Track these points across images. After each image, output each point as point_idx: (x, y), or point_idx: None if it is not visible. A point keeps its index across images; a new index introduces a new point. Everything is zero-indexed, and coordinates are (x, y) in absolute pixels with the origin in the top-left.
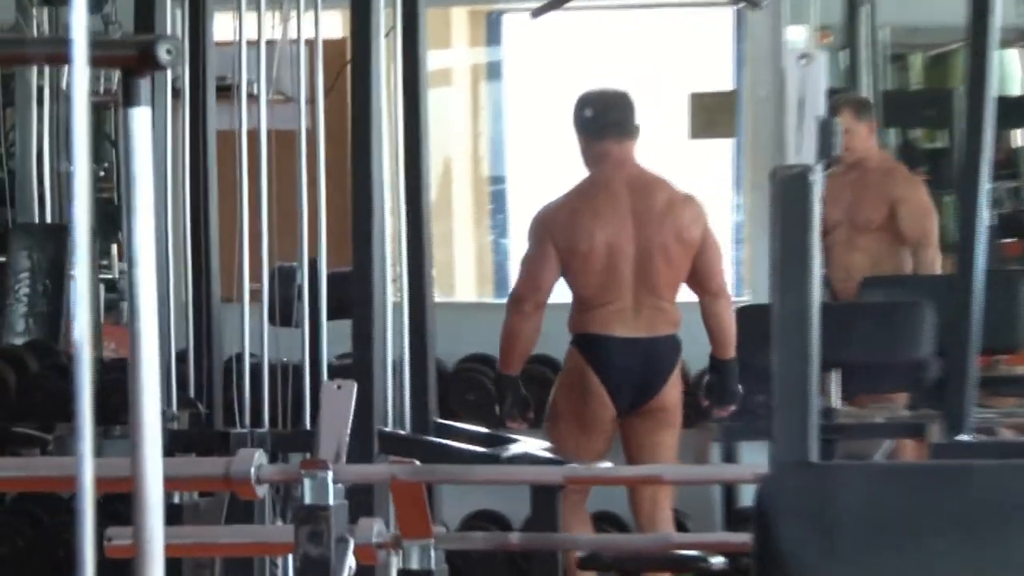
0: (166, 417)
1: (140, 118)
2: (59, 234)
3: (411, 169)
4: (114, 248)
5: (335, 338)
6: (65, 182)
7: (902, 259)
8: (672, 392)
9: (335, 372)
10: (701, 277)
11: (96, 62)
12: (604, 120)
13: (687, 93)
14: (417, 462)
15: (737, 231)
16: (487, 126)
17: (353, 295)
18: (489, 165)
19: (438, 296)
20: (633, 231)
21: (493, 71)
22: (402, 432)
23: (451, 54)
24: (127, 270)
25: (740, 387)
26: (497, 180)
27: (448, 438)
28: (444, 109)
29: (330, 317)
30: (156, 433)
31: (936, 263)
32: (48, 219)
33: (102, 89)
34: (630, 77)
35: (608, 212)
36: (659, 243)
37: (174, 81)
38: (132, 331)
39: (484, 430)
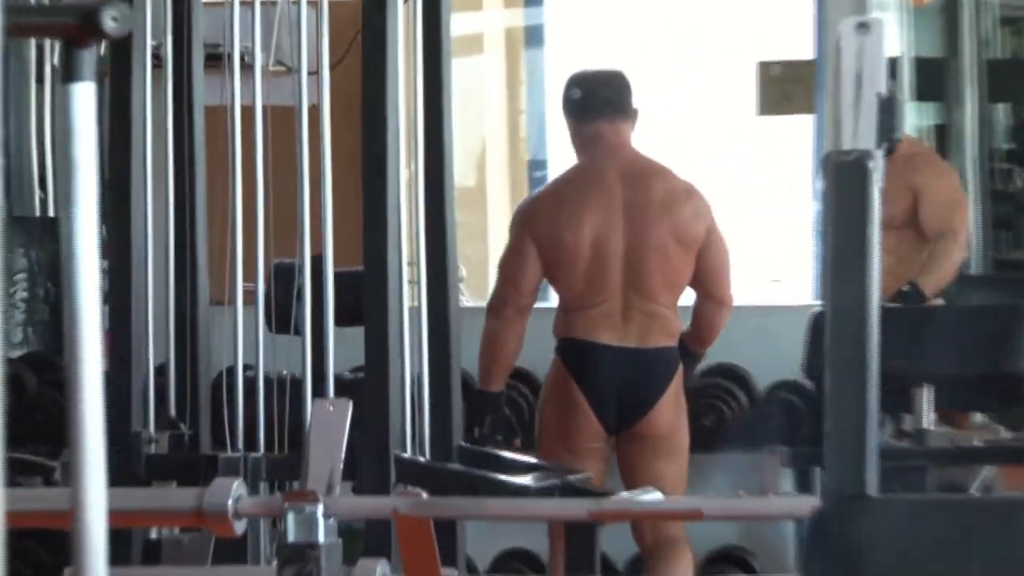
0: (143, 439)
1: (82, 94)
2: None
3: (432, 152)
4: None
5: (342, 347)
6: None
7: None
8: (666, 414)
9: (344, 387)
10: (705, 280)
11: (31, 31)
12: (595, 98)
13: (755, 63)
14: (424, 493)
15: (818, 221)
16: (526, 102)
17: (364, 298)
18: (529, 147)
19: (471, 299)
20: (624, 225)
21: (533, 37)
22: (421, 459)
23: (483, 17)
24: (64, 267)
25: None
26: (538, 164)
27: (473, 465)
28: (475, 82)
29: (337, 323)
30: (99, 458)
31: (953, 258)
32: (52, 212)
33: None
34: (692, 44)
35: (597, 202)
36: (654, 240)
37: (156, 48)
38: (70, 336)
39: (515, 456)
